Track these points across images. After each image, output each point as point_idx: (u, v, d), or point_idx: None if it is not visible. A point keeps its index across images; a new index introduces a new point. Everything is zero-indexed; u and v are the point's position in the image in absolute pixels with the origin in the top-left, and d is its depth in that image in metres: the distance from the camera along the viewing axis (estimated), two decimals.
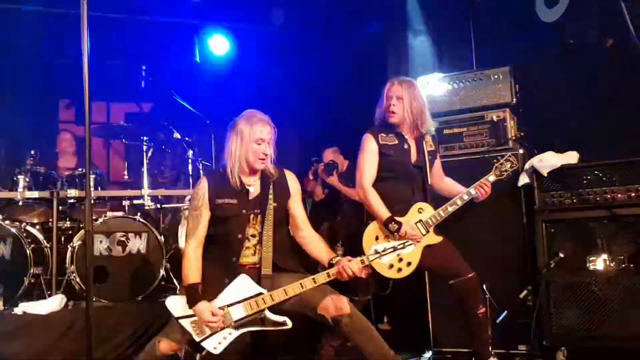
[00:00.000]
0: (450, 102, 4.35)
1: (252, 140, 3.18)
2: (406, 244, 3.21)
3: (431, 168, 3.72)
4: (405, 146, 3.64)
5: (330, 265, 3.15)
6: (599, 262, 3.73)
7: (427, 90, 4.25)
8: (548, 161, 3.89)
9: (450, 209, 3.58)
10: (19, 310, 3.97)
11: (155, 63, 6.13)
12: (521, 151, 4.08)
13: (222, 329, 3.08)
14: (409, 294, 4.36)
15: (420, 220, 3.55)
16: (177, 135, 5.50)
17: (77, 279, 4.35)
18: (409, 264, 3.48)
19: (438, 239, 3.57)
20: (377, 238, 3.53)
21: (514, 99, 4.20)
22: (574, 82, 4.39)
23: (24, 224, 4.65)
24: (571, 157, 3.95)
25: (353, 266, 3.08)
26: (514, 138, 4.16)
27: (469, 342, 3.72)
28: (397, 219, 3.49)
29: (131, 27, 6.24)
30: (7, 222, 4.43)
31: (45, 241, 4.58)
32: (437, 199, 3.70)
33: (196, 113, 5.66)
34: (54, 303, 4.07)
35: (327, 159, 5.73)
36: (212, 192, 3.22)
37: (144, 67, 5.78)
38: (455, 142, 4.29)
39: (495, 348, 3.75)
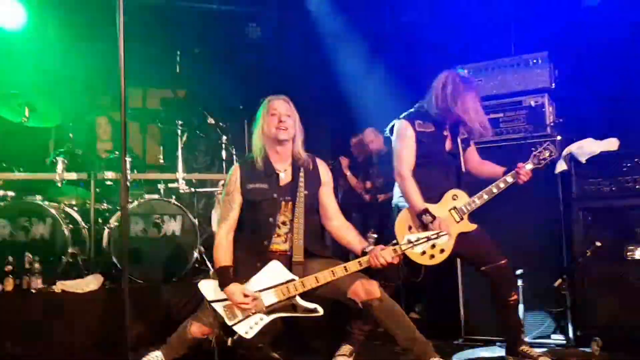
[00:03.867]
0: (487, 87, 4.28)
1: (269, 114, 3.26)
2: (440, 234, 3.18)
3: (464, 154, 3.67)
4: (442, 134, 3.60)
5: (364, 254, 3.14)
6: (637, 252, 3.64)
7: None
8: (587, 148, 3.82)
9: (486, 197, 3.52)
10: (57, 288, 4.07)
11: (191, 48, 6.18)
12: (559, 137, 4.01)
13: (254, 313, 3.12)
14: (440, 281, 4.34)
15: (455, 207, 3.52)
16: (211, 120, 5.55)
17: (114, 259, 4.45)
18: (442, 251, 3.45)
19: (472, 226, 3.53)
20: (410, 228, 3.50)
21: (553, 84, 4.11)
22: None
23: (62, 205, 4.77)
24: (611, 144, 3.85)
25: (385, 255, 3.07)
26: (552, 124, 4.07)
27: (501, 329, 3.69)
28: (431, 207, 3.45)
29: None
30: (46, 202, 4.54)
31: (83, 222, 4.69)
32: (471, 187, 3.65)
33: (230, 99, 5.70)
34: (91, 282, 4.17)
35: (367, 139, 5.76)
36: (244, 178, 3.27)
37: (178, 53, 5.83)
38: (492, 128, 4.22)
39: (527, 337, 3.71)
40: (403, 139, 3.57)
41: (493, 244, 3.53)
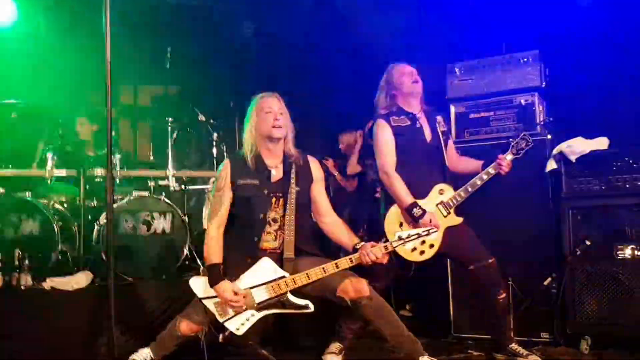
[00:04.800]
0: (478, 86, 4.28)
1: (263, 111, 3.25)
2: (430, 230, 3.20)
3: (446, 149, 3.70)
4: (417, 125, 3.64)
5: (355, 251, 3.15)
6: (627, 251, 3.66)
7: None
8: (577, 147, 3.83)
9: (471, 190, 3.57)
10: (47, 285, 4.05)
11: (182, 45, 6.14)
12: (549, 136, 4.02)
13: (245, 310, 3.12)
14: (429, 280, 4.35)
15: (442, 202, 3.55)
16: (202, 117, 5.52)
17: (104, 256, 4.42)
18: (431, 246, 3.49)
19: (459, 220, 3.57)
20: (401, 225, 3.52)
21: (544, 83, 4.12)
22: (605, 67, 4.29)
23: (52, 201, 4.74)
24: (601, 143, 3.87)
25: (376, 252, 3.08)
26: (542, 123, 4.09)
27: (490, 328, 3.70)
28: (420, 202, 3.47)
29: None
30: (36, 199, 4.51)
31: (72, 219, 4.66)
32: (457, 180, 3.67)
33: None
34: (81, 279, 4.14)
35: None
36: (235, 173, 3.26)
37: (169, 49, 5.80)
38: (482, 127, 4.25)
39: (516, 335, 3.72)
40: (381, 137, 3.61)
41: (479, 243, 3.56)
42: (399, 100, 3.68)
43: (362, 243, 3.17)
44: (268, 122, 3.23)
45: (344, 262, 3.11)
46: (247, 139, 3.30)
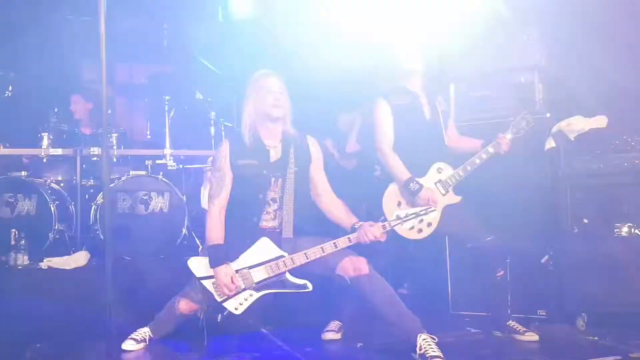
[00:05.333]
0: (477, 64, 4.23)
1: (262, 90, 3.22)
2: (428, 209, 3.20)
3: (446, 128, 3.68)
4: (418, 104, 3.62)
5: (353, 230, 3.15)
6: (625, 229, 3.66)
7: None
8: (576, 125, 3.82)
9: (470, 168, 3.56)
10: (44, 265, 4.05)
11: (178, 22, 6.06)
12: (548, 114, 3.99)
13: (244, 290, 3.12)
14: (428, 258, 4.35)
15: (440, 180, 3.55)
16: (199, 96, 5.48)
17: (101, 236, 4.41)
18: (429, 224, 3.49)
19: (457, 198, 3.57)
20: (399, 204, 3.51)
21: (543, 60, 4.08)
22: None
23: (48, 181, 4.71)
24: (600, 121, 3.85)
25: (375, 231, 3.08)
26: (541, 101, 4.06)
27: (487, 305, 3.72)
28: (418, 180, 3.47)
29: None
30: (31, 179, 4.49)
31: (69, 198, 4.64)
32: (456, 158, 3.66)
33: (218, 73, 5.61)
34: (78, 259, 4.15)
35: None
36: (234, 154, 3.24)
37: (165, 26, 5.73)
38: (481, 105, 4.20)
39: (514, 312, 3.74)
40: (379, 115, 3.59)
41: (479, 221, 3.56)
42: (400, 79, 3.65)
43: (361, 223, 3.17)
44: (268, 101, 3.20)
45: (343, 242, 3.12)
46: (246, 118, 3.28)
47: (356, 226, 3.15)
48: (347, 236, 3.13)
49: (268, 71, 3.32)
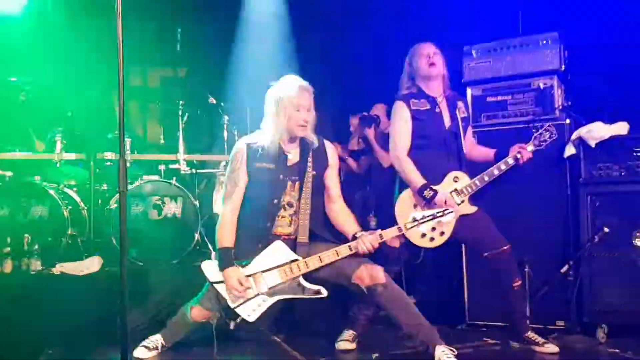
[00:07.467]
0: (495, 69, 4.18)
1: (292, 107, 3.11)
2: (446, 211, 3.14)
3: (464, 135, 3.62)
4: (437, 110, 3.56)
5: (354, 239, 3.13)
6: None
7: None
8: (596, 132, 3.74)
9: (487, 179, 3.49)
10: (56, 270, 4.03)
11: (192, 26, 6.04)
12: (567, 121, 3.94)
13: (256, 295, 3.08)
14: (444, 266, 4.29)
15: (455, 189, 3.48)
16: (212, 100, 5.45)
17: (114, 241, 4.39)
18: (442, 233, 3.42)
19: (473, 209, 3.50)
20: (415, 206, 3.47)
21: (562, 66, 4.01)
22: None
23: (61, 185, 4.70)
24: (621, 128, 3.77)
25: (372, 240, 3.06)
26: (560, 107, 3.99)
27: (505, 315, 3.65)
28: (432, 186, 3.41)
29: None
30: (45, 183, 4.48)
31: (82, 203, 4.62)
32: (473, 168, 3.59)
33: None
34: (91, 264, 4.12)
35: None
36: (251, 156, 3.19)
37: (179, 30, 5.72)
38: (499, 111, 4.15)
39: (532, 323, 3.67)
40: (398, 120, 3.54)
41: (495, 229, 3.50)
42: (419, 82, 3.60)
43: (362, 232, 3.14)
44: (295, 119, 3.12)
45: (344, 250, 3.09)
46: (269, 129, 3.18)
47: (357, 235, 3.13)
48: (348, 244, 3.11)
49: (301, 83, 3.17)
